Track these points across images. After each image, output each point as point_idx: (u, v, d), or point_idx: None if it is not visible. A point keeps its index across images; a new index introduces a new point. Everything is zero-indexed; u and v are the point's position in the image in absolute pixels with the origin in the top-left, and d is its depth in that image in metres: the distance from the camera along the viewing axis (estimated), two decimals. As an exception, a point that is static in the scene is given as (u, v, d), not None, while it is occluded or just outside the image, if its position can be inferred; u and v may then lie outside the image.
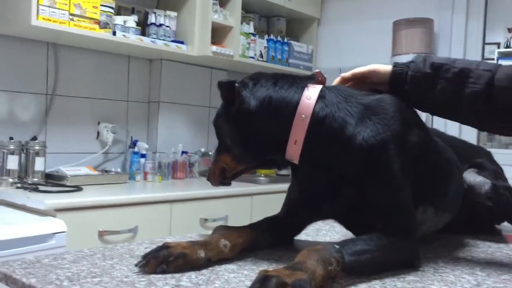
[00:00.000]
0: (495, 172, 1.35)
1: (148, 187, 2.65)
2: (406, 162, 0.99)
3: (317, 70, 1.07)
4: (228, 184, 1.16)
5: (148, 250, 0.97)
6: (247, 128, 1.01)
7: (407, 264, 0.96)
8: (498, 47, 6.53)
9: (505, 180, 1.37)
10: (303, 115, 0.97)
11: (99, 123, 2.80)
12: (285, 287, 0.74)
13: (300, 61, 3.40)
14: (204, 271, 0.90)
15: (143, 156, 2.84)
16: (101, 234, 2.08)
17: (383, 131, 0.97)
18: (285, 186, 2.98)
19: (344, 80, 1.14)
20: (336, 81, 1.14)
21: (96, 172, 2.59)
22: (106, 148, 2.80)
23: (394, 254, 0.94)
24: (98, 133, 2.81)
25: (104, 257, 0.97)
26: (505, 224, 1.45)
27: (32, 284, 0.80)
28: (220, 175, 1.13)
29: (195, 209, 2.47)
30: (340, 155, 0.98)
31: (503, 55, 6.56)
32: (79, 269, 0.88)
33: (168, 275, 0.87)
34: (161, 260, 0.89)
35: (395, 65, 1.09)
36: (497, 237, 1.39)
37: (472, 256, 1.13)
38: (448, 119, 1.12)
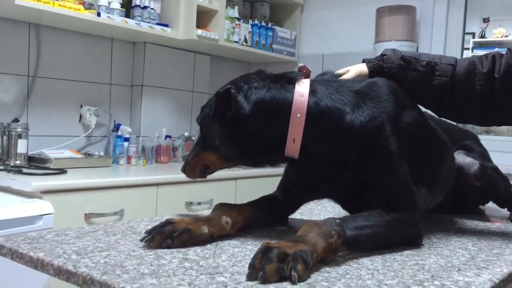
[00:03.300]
0: (482, 153, 1.40)
1: (132, 170, 2.63)
2: (401, 142, 1.02)
3: (302, 64, 1.08)
4: (204, 177, 1.18)
5: (149, 227, 0.98)
6: (243, 132, 1.00)
7: (409, 242, 0.99)
8: (473, 37, 6.66)
9: (491, 161, 1.42)
10: (298, 114, 0.98)
11: (81, 106, 2.77)
12: (286, 257, 0.75)
13: (284, 46, 3.41)
14: (208, 246, 0.92)
15: (126, 139, 2.82)
16: (87, 216, 2.07)
17: (379, 114, 1.00)
18: (268, 170, 3.00)
19: None
20: None
21: (79, 155, 2.57)
22: (89, 131, 2.77)
23: (396, 231, 0.97)
24: (80, 116, 2.77)
25: (106, 233, 0.98)
26: (488, 205, 1.51)
27: (41, 257, 0.80)
28: (201, 171, 1.15)
29: (180, 193, 2.47)
30: (340, 143, 1.00)
31: (477, 45, 6.70)
32: (85, 244, 0.89)
33: (174, 250, 0.88)
34: (166, 235, 0.90)
35: (368, 61, 1.15)
36: (482, 216, 1.44)
37: (462, 233, 1.17)
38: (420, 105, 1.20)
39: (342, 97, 1.00)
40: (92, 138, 2.84)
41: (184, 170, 1.18)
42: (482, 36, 6.68)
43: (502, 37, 6.35)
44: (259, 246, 0.93)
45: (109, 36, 2.83)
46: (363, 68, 1.16)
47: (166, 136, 2.99)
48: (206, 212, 1.26)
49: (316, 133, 0.98)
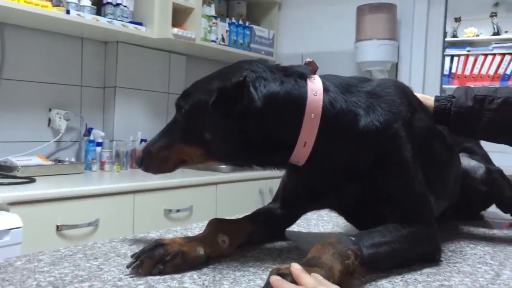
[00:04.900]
0: (485, 156, 1.33)
1: (106, 177, 2.49)
2: (414, 148, 0.94)
3: (309, 59, 0.96)
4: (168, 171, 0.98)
5: (133, 247, 0.86)
6: (248, 129, 0.86)
7: (428, 257, 0.90)
8: (445, 37, 6.71)
9: (493, 164, 1.35)
10: (312, 114, 0.86)
11: (50, 109, 2.60)
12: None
13: (262, 46, 3.30)
14: (205, 270, 0.81)
15: (99, 144, 2.67)
16: (60, 228, 1.92)
17: (394, 119, 0.92)
18: (249, 174, 2.88)
19: None
20: None
21: (49, 162, 2.40)
22: (59, 136, 2.61)
23: (414, 246, 0.87)
24: (49, 120, 2.61)
25: (86, 257, 0.85)
26: (488, 210, 1.44)
27: (10, 293, 0.67)
28: (173, 166, 0.96)
29: (159, 200, 2.34)
30: (352, 149, 0.90)
31: (449, 44, 6.75)
32: (62, 273, 0.76)
33: (167, 276, 0.77)
34: (157, 259, 0.79)
35: (437, 99, 1.08)
36: (484, 222, 1.37)
37: (474, 243, 1.09)
38: (495, 143, 1.14)
39: (354, 98, 0.90)
40: (62, 143, 2.68)
41: (141, 162, 0.96)
42: (454, 36, 6.74)
43: (473, 36, 6.41)
44: (262, 268, 0.83)
45: (79, 35, 2.68)
46: (429, 101, 1.08)
47: (141, 140, 2.85)
48: (196, 229, 1.15)
49: (328, 137, 0.87)
